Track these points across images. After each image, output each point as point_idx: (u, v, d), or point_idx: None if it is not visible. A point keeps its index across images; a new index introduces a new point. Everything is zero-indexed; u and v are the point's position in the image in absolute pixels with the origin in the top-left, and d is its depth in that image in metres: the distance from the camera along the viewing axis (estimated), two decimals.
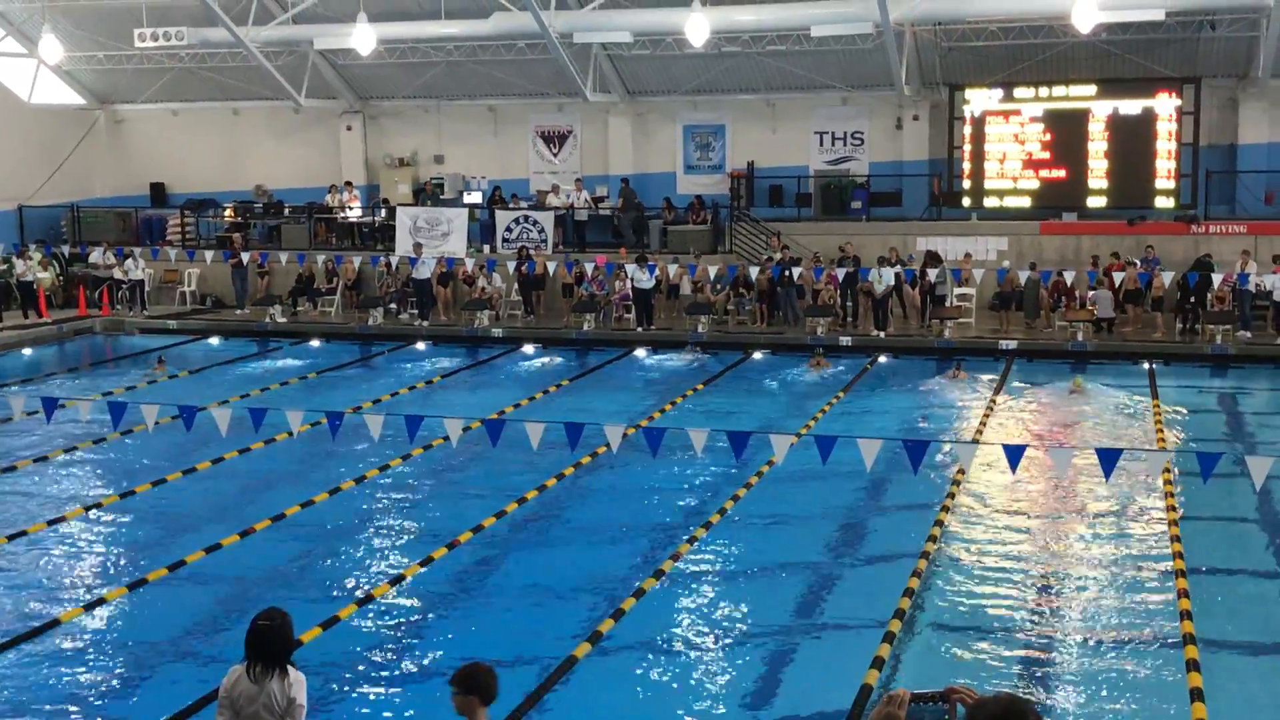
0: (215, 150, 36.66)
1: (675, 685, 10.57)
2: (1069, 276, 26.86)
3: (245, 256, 30.84)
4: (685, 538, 14.07)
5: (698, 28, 26.83)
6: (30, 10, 33.09)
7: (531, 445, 13.77)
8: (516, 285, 29.83)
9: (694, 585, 12.83)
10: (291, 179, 35.93)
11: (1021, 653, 11.24)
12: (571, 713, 10.06)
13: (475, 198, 33.77)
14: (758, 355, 26.15)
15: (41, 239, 33.25)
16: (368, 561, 13.68)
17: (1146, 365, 24.32)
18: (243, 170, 36.39)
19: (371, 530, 14.83)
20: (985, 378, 23.66)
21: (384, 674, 10.79)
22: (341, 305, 30.61)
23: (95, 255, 32.20)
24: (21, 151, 34.98)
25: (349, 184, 34.28)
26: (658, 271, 28.16)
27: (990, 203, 29.86)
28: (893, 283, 26.96)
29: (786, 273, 27.49)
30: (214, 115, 36.56)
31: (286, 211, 34.83)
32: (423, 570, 13.12)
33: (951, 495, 15.64)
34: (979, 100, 29.64)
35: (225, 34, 31.28)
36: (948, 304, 27.49)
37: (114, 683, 10.73)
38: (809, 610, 12.33)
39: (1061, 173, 29.26)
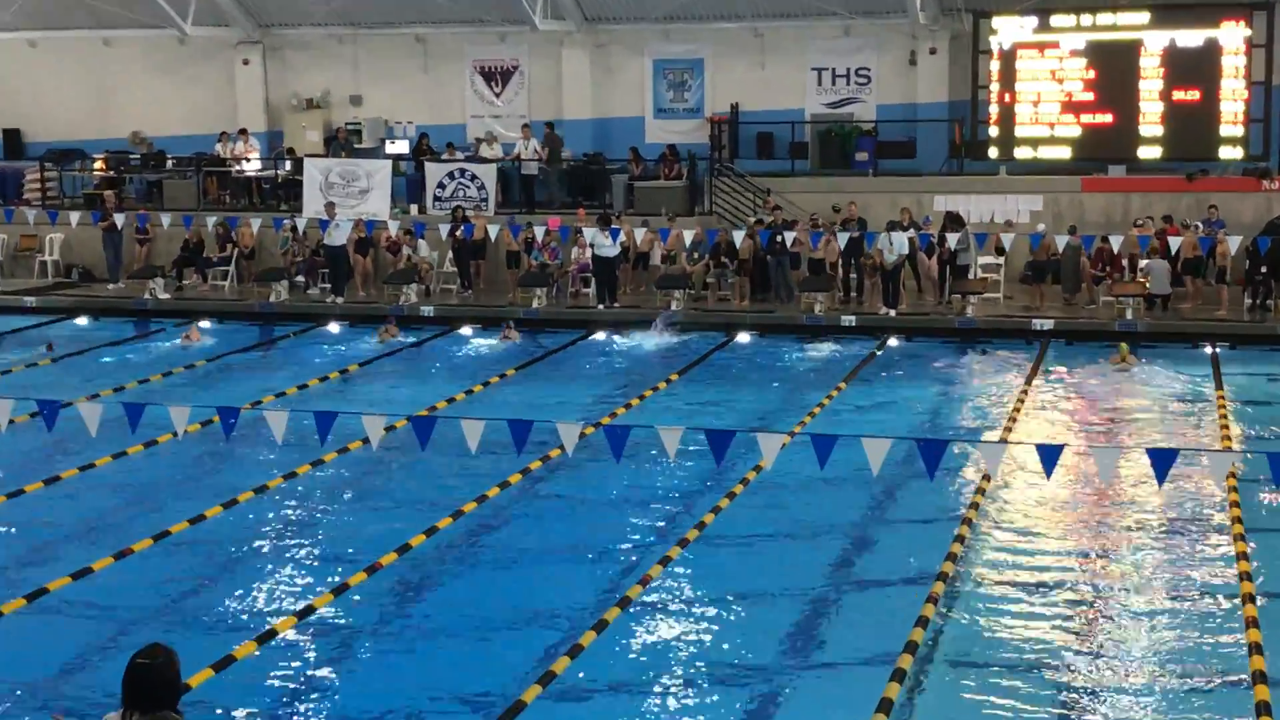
0: (82, 90, 36.38)
1: None
2: (1116, 242, 27.04)
3: (119, 219, 30.65)
4: (655, 559, 14.08)
5: None
6: None
7: (469, 447, 13.72)
8: (451, 254, 29.77)
9: (666, 616, 12.85)
10: (176, 124, 35.71)
11: (1057, 695, 11.32)
12: None
13: (400, 147, 33.68)
14: (743, 337, 26.21)
15: None
16: (270, 589, 13.62)
17: (1209, 348, 24.53)
18: (116, 114, 36.12)
19: (274, 551, 14.76)
20: (1016, 364, 23.79)
21: None
22: (237, 278, 30.48)
23: None
24: None
25: (244, 131, 34.09)
26: (623, 237, 28.18)
27: (1022, 154, 30.01)
28: (905, 251, 27.08)
29: (778, 239, 27.56)
30: (81, 47, 36.27)
31: (170, 164, 34.61)
32: (337, 599, 13.08)
33: (974, 505, 15.72)
34: (1009, 30, 29.76)
35: None
36: (971, 276, 27.63)
37: None
38: (804, 645, 12.37)
39: (1107, 118, 29.43)
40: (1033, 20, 29.63)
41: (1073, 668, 11.82)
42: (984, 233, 27.90)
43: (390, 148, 33.76)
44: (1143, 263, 26.72)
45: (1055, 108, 29.65)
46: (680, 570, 13.92)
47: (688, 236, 28.53)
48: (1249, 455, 17.11)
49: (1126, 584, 13.77)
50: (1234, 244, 26.48)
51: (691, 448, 15.60)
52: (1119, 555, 14.62)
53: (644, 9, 33.06)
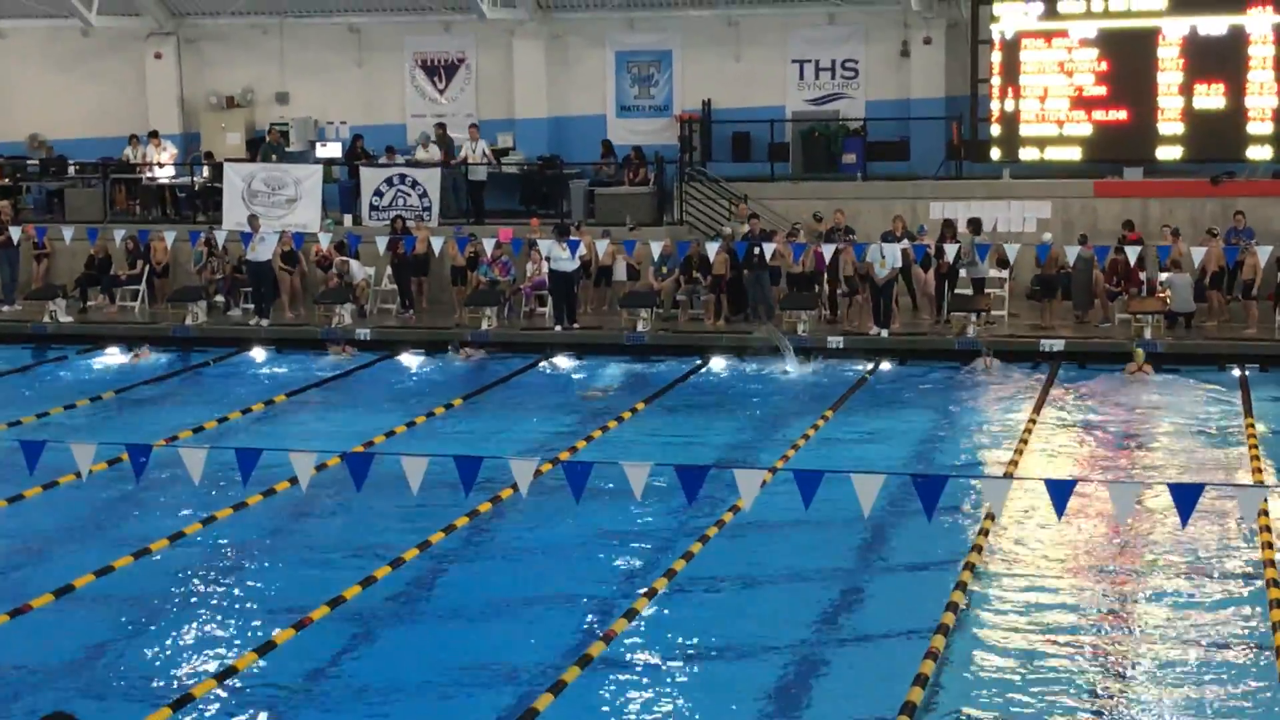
0: None
1: None
2: (1132, 254, 27.18)
3: (15, 233, 30.51)
4: (620, 612, 14.08)
5: None
6: None
7: (410, 487, 13.71)
8: (390, 270, 29.73)
9: (632, 676, 12.84)
10: (79, 127, 35.56)
11: None
12: None
13: (333, 150, 33.65)
14: (718, 362, 26.25)
15: None
16: (187, 648, 13.56)
17: (1236, 371, 24.71)
18: (11, 115, 35.96)
19: (192, 606, 14.69)
20: (1023, 389, 23.88)
21: None
22: (149, 298, 30.37)
23: None
24: None
25: (155, 134, 34.00)
26: (583, 250, 28.20)
27: (1028, 155, 30.12)
28: (898, 264, 27.18)
29: (755, 250, 27.63)
30: None
31: (72, 170, 34.47)
32: (262, 658, 13.03)
33: (977, 548, 15.76)
34: (1012, 17, 29.93)
35: None
36: (972, 292, 27.72)
37: None
38: (787, 708, 12.38)
39: (1122, 114, 29.58)
40: (1038, 6, 29.75)
41: None
42: (986, 244, 28.00)
43: (321, 151, 33.69)
44: (1162, 276, 26.85)
45: (1064, 104, 29.77)
46: (648, 624, 13.91)
47: (655, 249, 28.55)
48: None
49: (1147, 633, 13.82)
50: (1264, 255, 26.62)
51: (660, 485, 15.60)
52: (1138, 603, 14.67)
53: None
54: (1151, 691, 12.58)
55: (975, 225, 28.27)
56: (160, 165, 33.66)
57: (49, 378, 26.05)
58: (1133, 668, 13.10)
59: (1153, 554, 15.97)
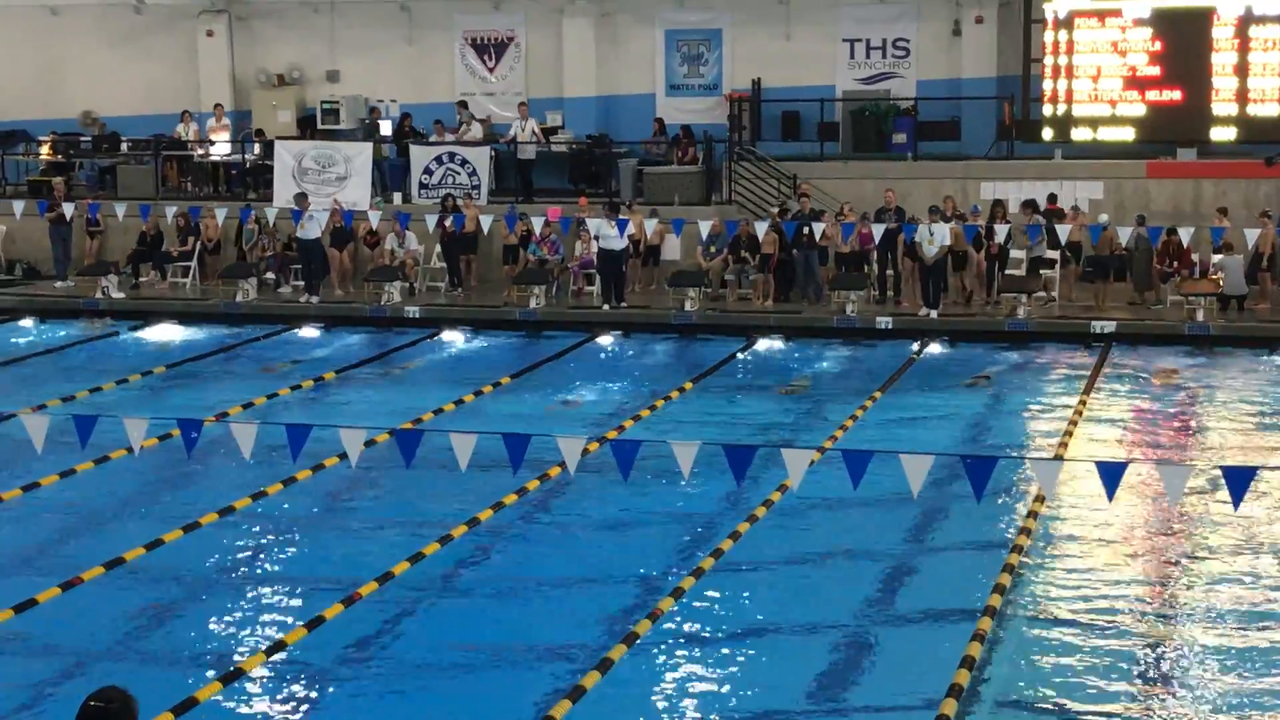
0: (26, 64, 36.40)
1: None
2: (1185, 235, 27.00)
3: (69, 209, 30.70)
4: (667, 590, 14.08)
5: None
6: None
7: (459, 464, 13.73)
8: (439, 247, 29.79)
9: (677, 655, 12.84)
10: (131, 104, 35.73)
11: None
12: None
13: (383, 129, 33.70)
14: (766, 342, 26.20)
15: None
16: (236, 622, 13.64)
17: None
18: (64, 92, 36.16)
19: (241, 580, 14.78)
20: (1073, 370, 23.76)
21: None
22: (200, 275, 30.51)
23: None
24: None
25: (219, 107, 34.16)
26: (631, 229, 28.18)
27: (1080, 135, 29.97)
28: (948, 243, 27.06)
29: (805, 230, 27.56)
30: (25, 16, 36.31)
31: (125, 148, 34.64)
32: (310, 634, 13.09)
33: (1026, 531, 15.70)
34: None
35: None
36: (1023, 272, 27.56)
37: None
38: (834, 687, 12.36)
39: (1176, 94, 29.38)
40: None
41: (1138, 712, 11.80)
42: (1037, 225, 27.85)
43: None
44: (1215, 258, 26.68)
45: (1117, 83, 29.60)
46: (694, 603, 13.90)
47: (704, 228, 28.51)
48: None
49: (1198, 617, 13.74)
50: None
51: (711, 463, 15.57)
52: (1189, 586, 14.58)
53: None
54: (1202, 676, 12.48)
55: (1032, 206, 28.09)
56: (212, 142, 33.79)
57: (101, 353, 26.19)
58: (1183, 652, 13.02)
59: (1204, 537, 15.88)
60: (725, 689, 12.21)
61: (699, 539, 15.82)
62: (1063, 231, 27.28)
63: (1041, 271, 27.55)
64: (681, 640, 13.11)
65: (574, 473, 14.45)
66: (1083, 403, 21.40)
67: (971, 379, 23.02)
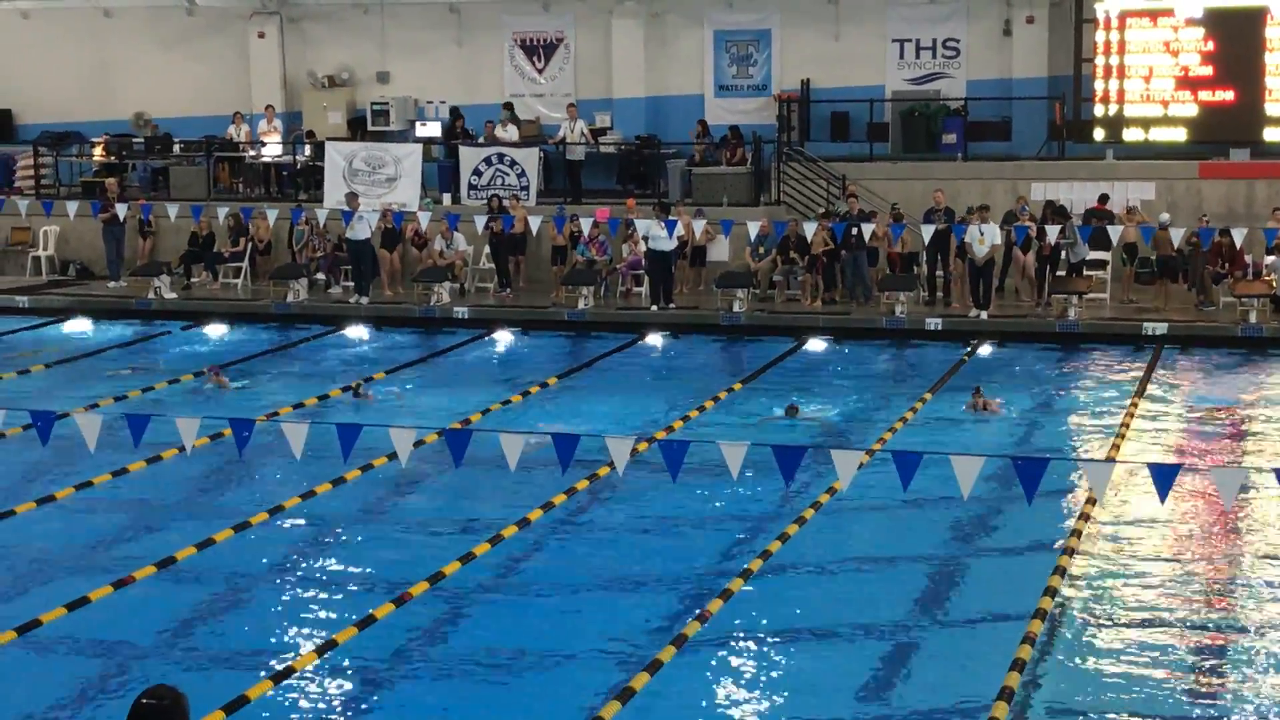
0: (80, 65, 36.66)
1: None
2: (1238, 236, 26.81)
3: (121, 210, 30.88)
4: (716, 592, 14.06)
5: None
6: None
7: (508, 464, 13.75)
8: (488, 248, 29.84)
9: (727, 656, 12.82)
10: (183, 105, 35.94)
11: None
12: None
13: (432, 130, 33.80)
14: (815, 343, 26.13)
15: None
16: (287, 621, 13.69)
17: None
18: (117, 93, 36.40)
19: (292, 579, 14.84)
20: (1125, 372, 23.62)
21: None
22: (251, 275, 30.66)
23: None
24: None
25: (270, 108, 34.33)
26: (680, 229, 28.16)
27: (1132, 135, 29.79)
28: (998, 243, 26.93)
29: (854, 231, 27.48)
30: (78, 18, 36.57)
31: (177, 149, 34.84)
32: (361, 633, 13.12)
33: (1077, 533, 15.61)
34: None
35: None
36: (1076, 274, 27.43)
37: None
38: (883, 690, 12.32)
39: (1228, 95, 29.18)
40: None
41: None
42: (1087, 226, 27.73)
43: (420, 130, 33.86)
44: (1269, 259, 26.50)
45: (1169, 84, 29.42)
46: (743, 605, 13.88)
47: (752, 229, 28.46)
48: None
49: (1255, 623, 13.62)
50: None
51: (757, 466, 15.53)
52: (1242, 591, 14.47)
53: None
54: (1256, 683, 12.38)
55: (1058, 212, 27.94)
56: (263, 143, 33.94)
57: (153, 353, 26.35)
58: (1235, 657, 12.92)
59: (1258, 541, 15.75)
60: (774, 691, 12.19)
61: (748, 540, 15.79)
62: (1115, 232, 27.13)
63: (1090, 273, 27.41)
64: (730, 642, 13.07)
65: (623, 472, 14.45)
66: (1134, 404, 21.27)
67: (969, 403, 21.94)
